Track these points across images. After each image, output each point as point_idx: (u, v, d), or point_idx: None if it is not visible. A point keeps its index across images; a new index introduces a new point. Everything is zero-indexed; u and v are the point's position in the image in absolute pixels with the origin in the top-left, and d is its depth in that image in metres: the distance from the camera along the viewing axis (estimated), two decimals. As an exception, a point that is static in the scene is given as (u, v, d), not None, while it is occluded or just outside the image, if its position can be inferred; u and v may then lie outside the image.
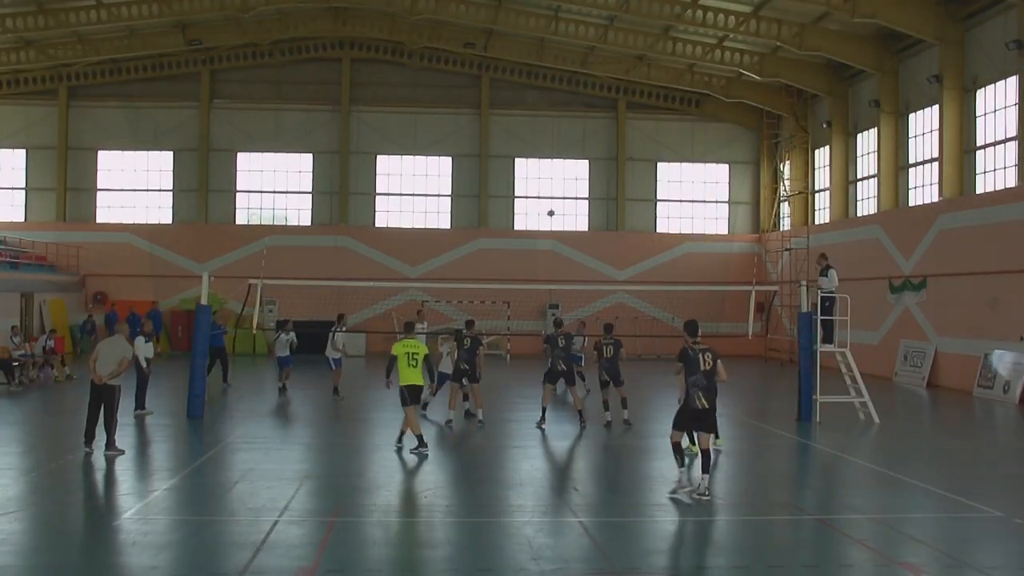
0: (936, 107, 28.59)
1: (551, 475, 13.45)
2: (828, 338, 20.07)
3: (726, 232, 41.24)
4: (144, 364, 18.46)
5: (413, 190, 40.63)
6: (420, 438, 14.75)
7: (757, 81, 36.21)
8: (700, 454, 11.92)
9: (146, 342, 18.69)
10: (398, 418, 18.71)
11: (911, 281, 29.13)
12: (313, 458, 15.09)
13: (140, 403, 18.63)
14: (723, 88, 37.69)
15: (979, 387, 24.93)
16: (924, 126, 30.18)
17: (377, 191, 40.50)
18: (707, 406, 11.54)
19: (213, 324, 22.95)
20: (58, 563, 8.99)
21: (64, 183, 39.35)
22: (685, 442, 12.86)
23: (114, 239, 39.10)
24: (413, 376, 14.76)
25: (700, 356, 11.68)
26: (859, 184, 34.34)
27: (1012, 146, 25.87)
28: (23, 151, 39.74)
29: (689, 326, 12.22)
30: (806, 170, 37.94)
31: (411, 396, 14.80)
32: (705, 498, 11.56)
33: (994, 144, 26.77)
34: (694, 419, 11.73)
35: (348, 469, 13.95)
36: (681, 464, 12.39)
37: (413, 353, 14.78)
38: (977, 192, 27.15)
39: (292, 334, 23.35)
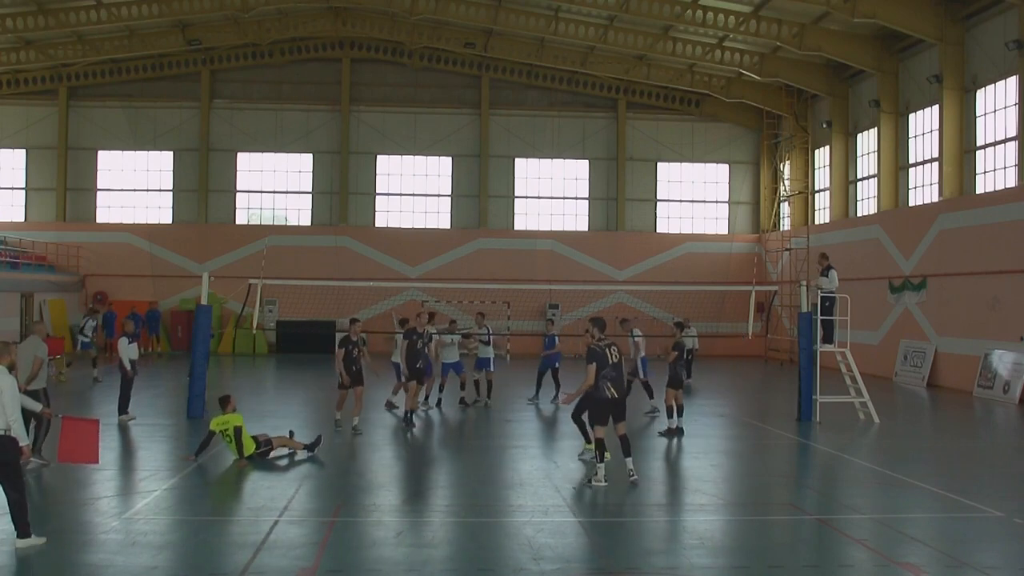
0: (936, 107, 28.59)
1: (551, 475, 13.45)
2: (828, 338, 20.09)
3: (726, 232, 41.24)
4: (128, 366, 17.61)
5: (413, 190, 40.65)
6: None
7: (757, 81, 36.22)
8: (619, 440, 12.50)
9: (129, 343, 17.81)
10: (394, 421, 18.74)
11: (911, 281, 29.13)
12: (313, 458, 15.07)
13: (123, 408, 17.75)
14: (723, 88, 37.70)
15: (979, 387, 24.92)
16: (924, 126, 30.17)
17: (377, 191, 40.51)
18: (617, 395, 12.10)
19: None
20: (57, 563, 8.98)
21: (64, 183, 39.37)
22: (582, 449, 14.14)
23: (114, 239, 39.13)
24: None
25: (607, 351, 12.23)
26: (859, 184, 34.34)
27: (1012, 146, 25.87)
28: (23, 151, 39.76)
29: (596, 322, 12.63)
30: (806, 170, 37.94)
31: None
32: (634, 478, 12.36)
33: (994, 144, 26.76)
34: (608, 409, 12.17)
35: (348, 469, 13.94)
36: (602, 459, 12.38)
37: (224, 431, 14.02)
38: (977, 192, 27.15)
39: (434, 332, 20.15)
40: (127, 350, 17.72)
